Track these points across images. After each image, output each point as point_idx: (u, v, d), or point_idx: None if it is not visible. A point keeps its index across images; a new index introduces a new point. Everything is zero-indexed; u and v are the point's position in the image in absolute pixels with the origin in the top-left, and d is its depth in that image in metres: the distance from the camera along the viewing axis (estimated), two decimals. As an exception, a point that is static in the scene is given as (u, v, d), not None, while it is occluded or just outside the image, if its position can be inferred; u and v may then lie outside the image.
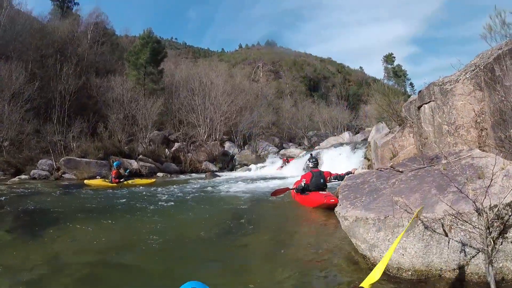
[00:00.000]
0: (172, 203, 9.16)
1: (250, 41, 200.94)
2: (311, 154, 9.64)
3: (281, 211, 8.20)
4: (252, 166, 24.66)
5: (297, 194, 8.54)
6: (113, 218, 7.38)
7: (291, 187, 9.07)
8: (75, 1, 48.00)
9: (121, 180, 14.38)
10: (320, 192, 8.06)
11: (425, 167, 4.54)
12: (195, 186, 13.67)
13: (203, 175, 20.22)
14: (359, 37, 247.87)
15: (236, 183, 14.61)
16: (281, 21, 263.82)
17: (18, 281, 3.90)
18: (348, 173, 8.31)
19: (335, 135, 33.39)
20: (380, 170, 5.26)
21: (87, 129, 22.85)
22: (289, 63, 77.97)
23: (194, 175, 21.40)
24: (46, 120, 22.60)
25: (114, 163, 15.46)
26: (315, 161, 8.94)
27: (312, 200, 7.80)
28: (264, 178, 16.59)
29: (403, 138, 10.03)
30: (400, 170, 4.72)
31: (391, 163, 7.50)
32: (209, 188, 12.71)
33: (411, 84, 77.16)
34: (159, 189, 12.66)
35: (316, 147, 27.73)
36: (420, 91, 8.25)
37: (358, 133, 32.94)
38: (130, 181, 14.76)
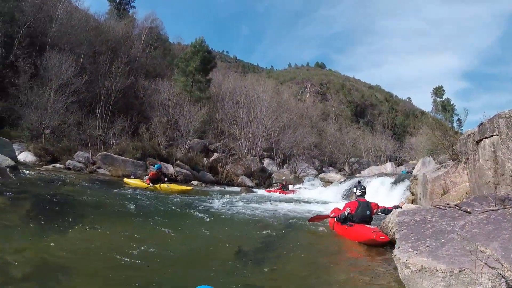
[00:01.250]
0: (203, 215, 8.38)
1: (299, 61, 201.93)
2: (359, 181, 8.40)
3: (318, 240, 7.12)
4: (289, 186, 23.62)
5: (337, 223, 7.40)
6: (136, 221, 6.86)
7: (331, 214, 8.09)
8: (132, 4, 49.47)
9: (154, 183, 13.86)
10: (366, 225, 6.95)
11: (497, 209, 3.73)
12: (230, 200, 12.82)
13: (238, 189, 19.50)
14: (409, 66, 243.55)
15: (272, 202, 13.70)
16: (332, 43, 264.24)
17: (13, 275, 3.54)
18: (396, 207, 7.30)
19: (377, 164, 32.04)
20: (440, 207, 4.54)
21: (129, 128, 22.65)
22: (337, 87, 76.89)
23: (229, 188, 20.64)
24: (90, 114, 22.66)
25: (156, 165, 15.10)
26: (363, 189, 7.66)
27: (357, 233, 6.67)
28: (300, 200, 15.67)
29: (456, 174, 9.04)
30: (468, 210, 3.85)
31: (445, 201, 6.44)
32: (244, 204, 11.81)
33: (458, 120, 73.63)
34: (194, 198, 12.03)
35: (357, 175, 26.47)
36: (481, 124, 7.08)
37: (402, 165, 31.31)
38: (166, 185, 14.13)
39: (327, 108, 57.93)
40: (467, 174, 8.38)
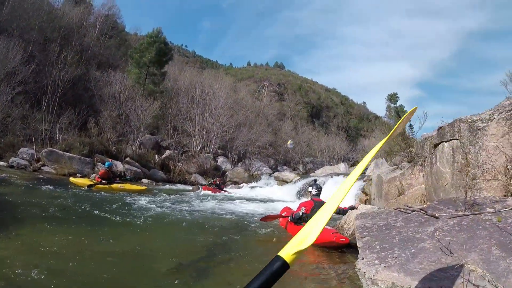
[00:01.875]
0: (147, 219, 7.96)
1: (259, 60, 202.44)
2: (314, 180, 8.18)
3: (270, 242, 6.84)
4: (244, 185, 23.60)
5: (291, 223, 7.19)
6: (83, 225, 6.51)
7: (282, 213, 7.97)
8: (89, -12, 47.37)
9: (103, 182, 13.27)
10: (325, 226, 6.75)
11: (468, 215, 3.53)
12: (182, 199, 12.60)
13: (190, 187, 19.23)
14: (366, 72, 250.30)
15: (225, 200, 13.63)
16: (293, 45, 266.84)
17: None
18: (351, 208, 7.18)
19: (331, 165, 32.64)
20: (401, 210, 4.22)
21: (77, 122, 21.71)
22: (295, 87, 77.78)
23: (181, 186, 20.28)
24: (35, 106, 21.37)
25: (106, 163, 14.44)
26: (319, 189, 7.54)
27: None
28: (254, 200, 15.53)
29: (412, 176, 9.02)
30: (436, 215, 3.67)
31: (405, 204, 6.49)
32: (196, 204, 11.58)
33: (410, 125, 76.23)
34: (145, 198, 11.56)
35: (311, 174, 26.84)
36: (440, 128, 7.21)
37: (354, 165, 31.96)
38: (119, 185, 13.62)
39: (284, 108, 58.23)
40: (423, 176, 8.47)
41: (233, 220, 8.66)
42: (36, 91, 22.34)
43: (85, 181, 13.52)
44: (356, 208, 7.04)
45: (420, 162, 8.86)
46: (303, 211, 6.91)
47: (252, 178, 25.92)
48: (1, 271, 3.78)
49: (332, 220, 7.18)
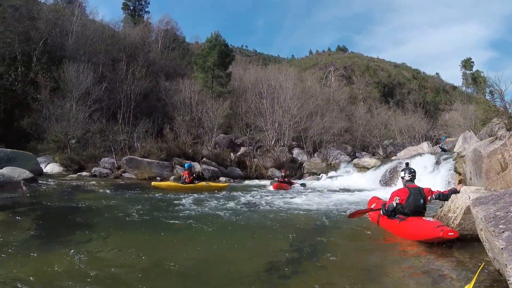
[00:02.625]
0: (230, 217, 7.39)
1: (320, 47, 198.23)
2: (406, 164, 6.83)
3: (363, 241, 5.75)
4: (322, 175, 22.60)
5: (383, 217, 6.19)
6: (163, 229, 6.08)
7: (371, 206, 7.03)
8: (146, 9, 49.87)
9: (195, 182, 13.27)
10: (423, 218, 5.56)
11: None
12: (260, 195, 11.92)
13: (268, 182, 18.73)
14: (433, 40, 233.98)
15: (305, 194, 12.75)
16: (352, 25, 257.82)
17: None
18: (453, 191, 5.94)
19: (413, 145, 30.51)
20: None
21: (152, 129, 22.55)
22: (362, 68, 74.50)
23: (258, 181, 19.86)
24: (112, 120, 22.61)
25: (186, 165, 14.19)
26: (413, 173, 6.21)
27: (415, 229, 5.31)
28: (335, 191, 14.43)
29: None
30: None
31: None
32: (273, 199, 10.76)
33: (491, 92, 70.02)
34: (225, 195, 11.36)
35: (392, 157, 25.16)
36: None
37: (438, 143, 29.62)
38: (204, 183, 13.59)
39: (354, 91, 55.85)
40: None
41: (315, 217, 7.70)
42: (111, 106, 23.69)
43: (169, 183, 13.54)
44: (458, 192, 5.87)
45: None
46: (397, 201, 5.84)
47: (330, 167, 24.88)
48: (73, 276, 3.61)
49: (429, 208, 6.14)
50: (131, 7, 50.19)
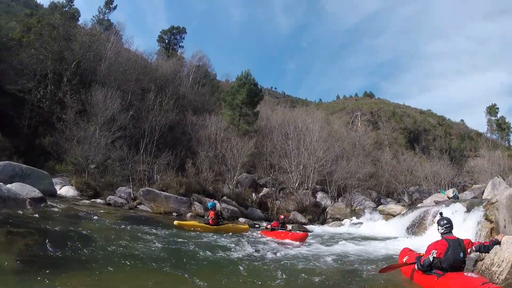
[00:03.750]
0: (254, 261, 6.88)
1: (347, 92, 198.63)
2: (441, 213, 6.15)
3: None
4: (346, 221, 21.62)
5: (418, 273, 5.58)
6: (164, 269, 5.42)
7: (403, 260, 6.34)
8: (180, 44, 51.18)
9: (220, 223, 12.54)
10: (464, 273, 4.98)
11: None
12: (281, 242, 11.03)
13: (289, 226, 17.86)
14: (459, 87, 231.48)
15: (329, 241, 12.03)
16: (379, 72, 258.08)
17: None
18: (495, 242, 5.42)
19: (438, 192, 29.34)
20: None
21: (174, 163, 22.07)
22: (388, 114, 73.73)
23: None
24: (134, 149, 22.28)
25: (210, 203, 13.29)
26: (450, 224, 5.60)
27: (456, 287, 4.73)
28: (361, 238, 13.71)
29: None
30: None
31: None
32: (295, 248, 9.89)
33: (517, 131, 68.88)
34: (249, 239, 10.83)
35: (418, 204, 24.01)
36: None
37: (465, 190, 28.38)
38: (231, 225, 13.12)
39: (380, 136, 55.14)
40: None
41: (342, 269, 6.99)
42: (134, 135, 23.44)
43: (193, 223, 12.59)
44: (500, 242, 5.34)
45: None
46: (434, 255, 5.25)
47: (354, 213, 23.92)
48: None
49: (469, 260, 5.53)
50: (166, 41, 51.86)
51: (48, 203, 11.28)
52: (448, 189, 29.92)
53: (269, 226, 13.30)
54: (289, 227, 14.46)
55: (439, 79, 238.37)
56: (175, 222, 11.90)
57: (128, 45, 37.63)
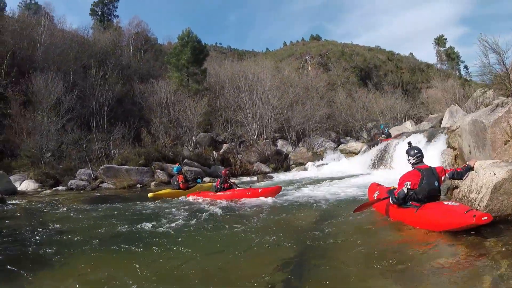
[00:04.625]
0: (223, 218, 6.95)
1: (293, 37, 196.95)
2: (409, 143, 5.84)
3: (378, 238, 5.05)
4: (309, 165, 21.99)
5: (394, 207, 5.45)
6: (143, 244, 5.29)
7: (374, 195, 6.36)
8: (114, 14, 49.09)
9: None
10: (444, 202, 4.87)
11: None
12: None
13: (254, 178, 18.11)
14: (405, 21, 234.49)
15: (295, 187, 12.09)
16: (323, 14, 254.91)
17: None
18: (469, 168, 5.31)
19: (396, 125, 30.36)
20: None
21: (129, 135, 21.64)
22: (337, 55, 74.13)
23: (245, 178, 19.14)
24: (87, 129, 21.66)
25: (175, 168, 13.00)
26: (420, 153, 5.41)
27: (438, 218, 4.59)
28: (326, 179, 13.63)
29: None
30: None
31: None
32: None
33: (465, 67, 71.94)
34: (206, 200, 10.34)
35: (378, 139, 24.86)
36: None
37: (421, 121, 29.49)
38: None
39: (332, 77, 55.64)
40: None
41: (315, 214, 6.89)
42: (84, 115, 22.69)
43: (167, 191, 12.03)
44: (473, 168, 5.30)
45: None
46: (408, 187, 5.07)
47: (317, 156, 24.44)
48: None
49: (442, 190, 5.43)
50: (99, 12, 49.38)
51: (8, 202, 10.97)
52: (404, 121, 30.90)
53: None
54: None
55: (383, 15, 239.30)
56: (149, 195, 11.52)
57: (61, 25, 35.62)
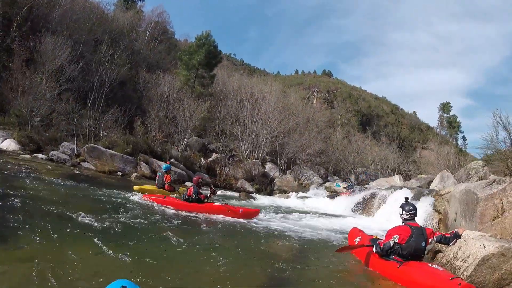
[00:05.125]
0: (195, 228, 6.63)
1: (306, 68, 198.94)
2: (406, 198, 5.82)
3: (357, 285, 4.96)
4: (292, 194, 21.79)
5: (375, 256, 5.40)
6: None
7: (355, 241, 6.26)
8: (140, -4, 48.58)
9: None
10: (429, 265, 4.81)
11: None
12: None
13: (236, 194, 17.86)
14: (416, 80, 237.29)
15: (277, 213, 11.90)
16: (340, 52, 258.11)
17: None
18: (456, 235, 5.23)
19: (385, 176, 30.45)
20: None
21: (122, 120, 21.25)
22: (344, 95, 74.86)
23: (226, 192, 18.79)
24: (83, 103, 21.17)
25: (164, 166, 12.36)
26: (415, 211, 5.39)
27: (422, 279, 4.49)
28: (307, 212, 13.37)
29: None
30: None
31: None
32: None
33: (463, 137, 73.96)
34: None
35: (365, 186, 24.71)
36: None
37: (410, 179, 29.50)
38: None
39: (334, 115, 56.10)
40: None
41: (294, 246, 6.73)
42: (83, 88, 22.16)
43: (153, 188, 11.62)
44: (460, 236, 5.23)
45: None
46: (396, 241, 5.05)
47: (301, 187, 24.40)
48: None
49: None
50: (126, -9, 48.84)
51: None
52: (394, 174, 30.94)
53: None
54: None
55: (397, 68, 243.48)
56: (135, 187, 11.16)
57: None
